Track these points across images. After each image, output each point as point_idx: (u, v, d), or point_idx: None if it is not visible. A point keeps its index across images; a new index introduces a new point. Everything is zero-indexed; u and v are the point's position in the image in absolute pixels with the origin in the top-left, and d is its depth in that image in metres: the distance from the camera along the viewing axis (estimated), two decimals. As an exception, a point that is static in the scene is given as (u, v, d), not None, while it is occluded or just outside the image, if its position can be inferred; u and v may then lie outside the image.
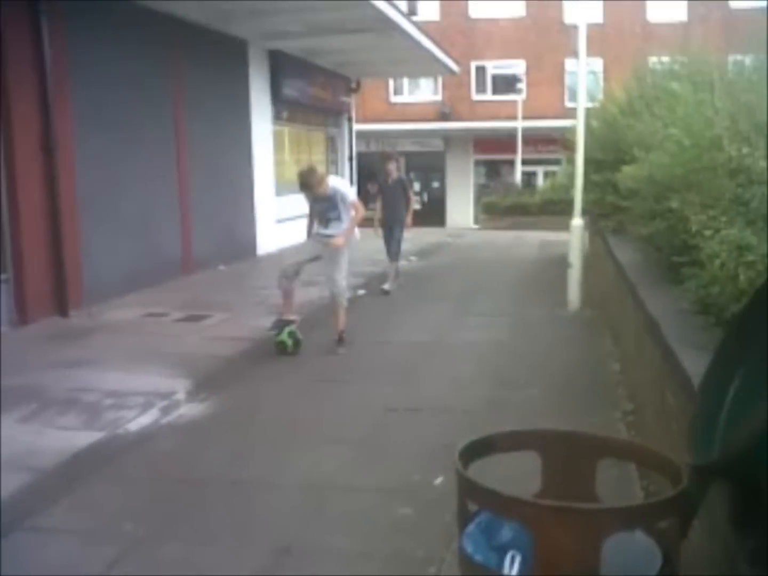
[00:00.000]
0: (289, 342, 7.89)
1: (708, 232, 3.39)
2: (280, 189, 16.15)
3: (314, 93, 17.87)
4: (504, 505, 2.24)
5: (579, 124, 9.92)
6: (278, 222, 15.86)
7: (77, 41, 9.49)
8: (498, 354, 7.82)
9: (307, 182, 7.81)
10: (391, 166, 11.72)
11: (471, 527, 2.45)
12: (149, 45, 11.10)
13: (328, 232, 8.05)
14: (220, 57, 13.48)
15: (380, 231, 11.77)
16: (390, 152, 13.66)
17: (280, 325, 7.99)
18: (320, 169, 8.64)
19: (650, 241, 5.90)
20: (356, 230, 8.22)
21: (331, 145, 20.34)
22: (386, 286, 11.74)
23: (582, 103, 10.10)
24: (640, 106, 8.21)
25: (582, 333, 8.75)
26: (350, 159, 21.01)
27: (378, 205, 11.73)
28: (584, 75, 10.45)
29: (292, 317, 8.10)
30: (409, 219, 11.77)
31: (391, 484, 4.54)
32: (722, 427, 2.30)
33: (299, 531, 4.06)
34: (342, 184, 8.39)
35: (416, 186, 31.96)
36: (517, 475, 2.80)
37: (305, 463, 4.99)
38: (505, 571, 2.31)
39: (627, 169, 6.96)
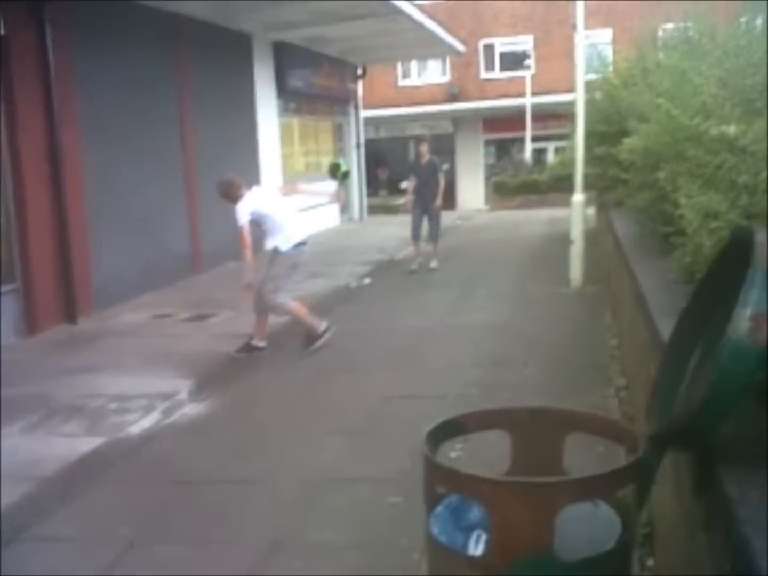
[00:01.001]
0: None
1: (683, 201, 3.34)
2: (289, 181, 16.13)
3: (320, 82, 17.80)
4: (463, 485, 2.24)
5: (578, 98, 9.81)
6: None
7: (81, 47, 9.50)
8: (497, 336, 7.79)
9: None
10: (423, 148, 11.89)
11: (440, 509, 2.45)
12: (152, 45, 11.11)
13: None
14: (224, 53, 13.43)
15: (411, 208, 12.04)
16: (423, 135, 14.19)
17: (248, 350, 7.60)
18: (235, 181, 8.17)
19: (645, 213, 5.85)
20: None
21: (339, 133, 20.30)
22: (432, 264, 12.02)
23: (580, 77, 10.00)
24: (637, 77, 8.13)
25: (583, 310, 8.70)
26: (358, 146, 20.95)
27: (410, 186, 11.95)
28: (582, 48, 10.33)
29: (261, 344, 7.70)
30: (439, 200, 11.97)
31: (383, 473, 4.55)
32: (682, 395, 2.26)
33: (291, 526, 4.07)
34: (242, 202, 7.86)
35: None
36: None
37: (301, 458, 5.00)
38: (470, 550, 2.31)
39: (627, 141, 6.91)
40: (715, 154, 3.12)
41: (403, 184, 13.25)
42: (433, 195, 11.85)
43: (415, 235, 12.14)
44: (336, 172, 8.42)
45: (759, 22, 5.69)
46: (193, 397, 6.41)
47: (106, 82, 9.99)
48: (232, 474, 4.83)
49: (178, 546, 3.97)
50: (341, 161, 8.90)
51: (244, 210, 7.73)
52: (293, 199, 8.05)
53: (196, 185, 12.36)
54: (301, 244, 7.94)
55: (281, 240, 7.83)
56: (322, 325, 7.76)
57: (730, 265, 2.14)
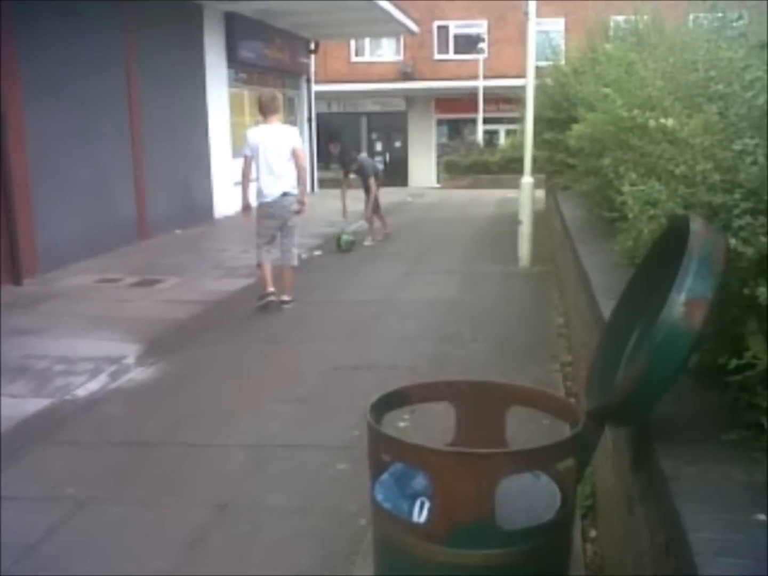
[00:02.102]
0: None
1: (626, 188, 3.48)
2: (238, 151, 16.06)
3: (271, 54, 17.78)
4: (408, 454, 2.33)
5: (528, 84, 9.99)
6: (236, 184, 15.77)
7: (25, 9, 9.30)
8: (446, 311, 7.92)
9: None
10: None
11: (385, 476, 2.54)
12: (101, 11, 10.91)
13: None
14: (174, 21, 13.32)
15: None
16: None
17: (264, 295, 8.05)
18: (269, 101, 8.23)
19: (590, 198, 6.02)
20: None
21: (290, 106, 20.22)
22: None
23: (531, 63, 10.16)
24: (586, 67, 8.30)
25: (530, 288, 8.89)
26: (309, 120, 20.96)
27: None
28: (533, 35, 10.44)
29: (270, 289, 8.03)
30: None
31: (332, 440, 4.64)
32: (619, 374, 2.39)
33: (239, 489, 4.15)
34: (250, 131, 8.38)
35: (378, 146, 31.86)
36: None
37: (250, 423, 5.07)
38: (414, 517, 2.42)
39: (575, 128, 7.07)
40: (656, 144, 3.26)
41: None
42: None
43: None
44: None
45: (704, 21, 5.88)
46: (141, 361, 6.42)
47: (51, 44, 9.83)
48: (181, 438, 4.88)
49: (126, 507, 4.01)
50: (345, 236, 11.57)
51: (248, 139, 8.04)
52: (287, 163, 7.94)
53: (143, 151, 12.29)
54: (279, 197, 7.94)
55: (259, 188, 7.99)
56: (268, 290, 8.02)
57: (666, 251, 2.26)
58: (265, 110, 8.03)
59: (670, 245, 2.22)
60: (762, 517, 1.66)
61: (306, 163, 8.37)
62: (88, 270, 9.87)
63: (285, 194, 7.95)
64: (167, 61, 13.09)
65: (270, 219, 8.03)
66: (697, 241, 2.01)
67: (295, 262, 8.32)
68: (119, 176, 11.82)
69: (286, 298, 8.08)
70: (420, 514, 2.40)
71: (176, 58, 13.56)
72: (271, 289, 8.00)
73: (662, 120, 3.07)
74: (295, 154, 7.91)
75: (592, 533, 3.54)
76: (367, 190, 12.36)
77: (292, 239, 8.18)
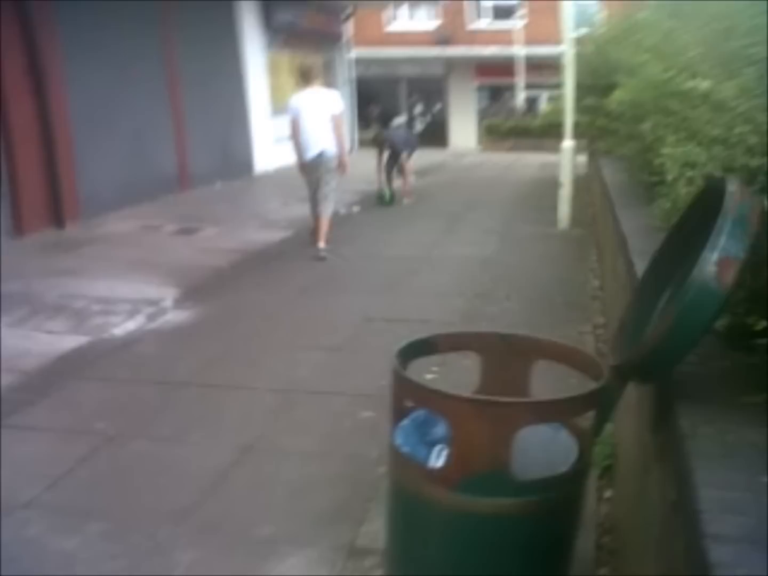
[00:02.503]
0: None
1: (666, 151, 3.44)
2: (279, 111, 16.15)
3: (308, 19, 17.95)
4: (428, 399, 2.36)
5: (568, 51, 9.85)
6: (276, 141, 15.88)
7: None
8: (483, 269, 7.90)
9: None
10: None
11: (406, 422, 2.58)
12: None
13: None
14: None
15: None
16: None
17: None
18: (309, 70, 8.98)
19: (632, 162, 5.95)
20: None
21: (329, 69, 20.32)
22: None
23: (569, 30, 10.03)
24: (625, 33, 8.17)
25: (568, 250, 8.81)
26: (348, 83, 21.08)
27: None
28: (570, 3, 10.29)
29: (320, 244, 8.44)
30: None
31: (359, 389, 4.67)
32: (647, 331, 2.38)
33: (264, 431, 4.22)
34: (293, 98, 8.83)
35: (418, 109, 31.53)
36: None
37: (279, 368, 5.14)
38: (431, 462, 2.45)
39: (616, 93, 7.00)
40: (695, 108, 3.21)
41: (395, 120, 13.55)
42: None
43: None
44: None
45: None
46: (179, 305, 6.53)
47: (92, 5, 9.88)
48: (211, 379, 4.96)
49: (153, 443, 4.11)
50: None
51: (290, 104, 8.61)
52: (326, 124, 8.37)
53: (183, 107, 12.48)
54: (316, 156, 8.39)
55: (301, 146, 8.48)
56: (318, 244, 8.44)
57: (702, 213, 2.23)
58: (305, 78, 8.71)
59: (706, 206, 2.19)
60: (773, 478, 1.66)
61: (344, 128, 8.85)
62: (129, 217, 10.00)
63: (321, 153, 8.36)
64: (203, 23, 13.24)
65: (310, 174, 8.54)
66: (733, 201, 1.99)
67: (329, 213, 8.61)
68: (160, 129, 12.00)
69: (321, 245, 8.41)
70: (437, 461, 2.43)
71: (212, 20, 13.72)
72: (321, 244, 8.42)
73: (697, 81, 3.02)
74: (334, 119, 8.34)
75: (608, 493, 3.55)
76: (399, 163, 12.25)
77: (327, 193, 8.50)
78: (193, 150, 12.70)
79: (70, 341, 5.53)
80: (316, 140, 8.33)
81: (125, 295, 6.53)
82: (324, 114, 8.33)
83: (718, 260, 1.90)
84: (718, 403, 2.04)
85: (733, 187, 2.05)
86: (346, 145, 9.15)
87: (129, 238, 8.87)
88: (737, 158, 2.41)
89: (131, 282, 6.93)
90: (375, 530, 3.10)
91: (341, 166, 8.51)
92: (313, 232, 8.57)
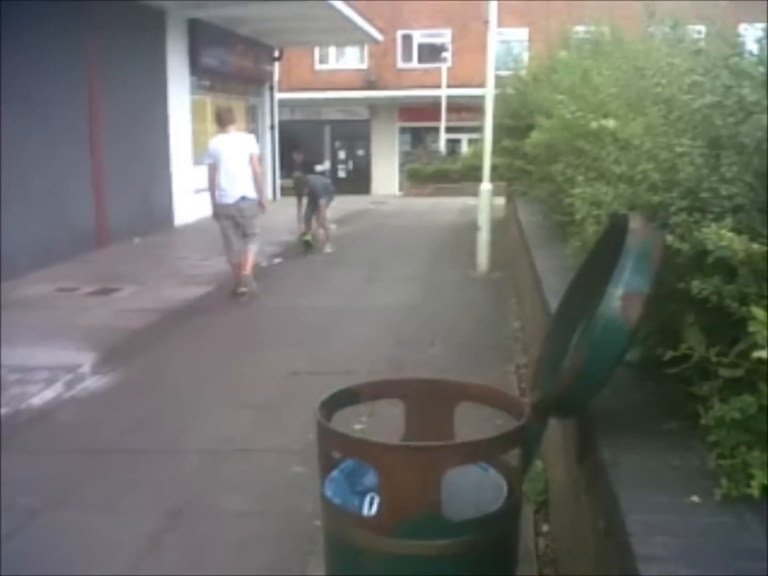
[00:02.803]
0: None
1: (575, 191, 3.56)
2: (200, 158, 16.00)
3: (235, 62, 17.73)
4: (355, 449, 2.37)
5: (488, 92, 10.11)
6: (197, 192, 15.74)
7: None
8: (405, 316, 7.97)
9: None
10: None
11: (335, 473, 2.58)
12: (62, 16, 10.76)
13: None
14: (136, 27, 13.21)
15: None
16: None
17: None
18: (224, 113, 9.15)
19: (545, 203, 6.12)
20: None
21: (253, 113, 20.22)
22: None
23: (490, 72, 10.31)
24: (544, 75, 8.44)
25: (488, 294, 8.98)
26: (272, 128, 20.95)
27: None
28: (493, 44, 10.59)
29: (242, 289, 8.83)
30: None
31: (288, 444, 4.65)
32: (563, 368, 2.45)
33: (194, 494, 4.15)
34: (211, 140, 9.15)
35: (341, 154, 31.92)
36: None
37: (205, 429, 5.06)
38: (365, 511, 2.45)
39: (533, 135, 7.19)
40: (603, 148, 3.34)
41: (319, 167, 13.79)
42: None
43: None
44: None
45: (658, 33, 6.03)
46: (97, 370, 6.37)
47: (9, 48, 9.65)
48: (136, 444, 4.86)
49: (81, 513, 3.99)
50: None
51: (209, 148, 8.84)
52: (245, 168, 8.66)
53: (103, 157, 12.18)
54: (237, 201, 8.61)
55: (219, 192, 8.67)
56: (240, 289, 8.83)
57: (608, 249, 2.33)
58: (222, 121, 8.84)
59: (612, 243, 2.28)
60: (695, 498, 1.73)
61: (259, 167, 8.92)
62: (45, 279, 9.75)
63: (243, 198, 8.61)
64: (129, 67, 12.99)
65: (228, 219, 8.71)
66: (635, 238, 2.08)
67: (255, 249, 8.94)
68: (78, 185, 11.68)
69: (243, 289, 8.79)
70: (370, 509, 2.44)
71: (138, 66, 13.46)
72: (242, 288, 8.79)
73: (603, 121, 3.15)
74: (251, 158, 8.64)
75: (545, 527, 3.60)
76: (317, 209, 12.40)
77: (252, 234, 8.82)
78: (112, 205, 12.38)
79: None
80: (235, 185, 8.51)
81: (42, 363, 6.35)
82: (242, 158, 8.53)
83: (622, 295, 1.98)
84: (637, 431, 2.12)
85: (635, 224, 2.14)
86: (265, 187, 9.64)
87: (44, 302, 8.64)
88: (641, 195, 2.51)
89: (47, 348, 6.74)
90: (316, 583, 3.06)
91: (260, 205, 8.82)
92: (236, 278, 8.83)
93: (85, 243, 11.59)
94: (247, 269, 8.71)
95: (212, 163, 8.57)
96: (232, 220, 8.63)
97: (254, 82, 19.72)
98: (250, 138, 9.14)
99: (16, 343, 6.87)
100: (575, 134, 4.66)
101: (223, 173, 8.49)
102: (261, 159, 9.30)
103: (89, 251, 11.56)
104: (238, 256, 8.76)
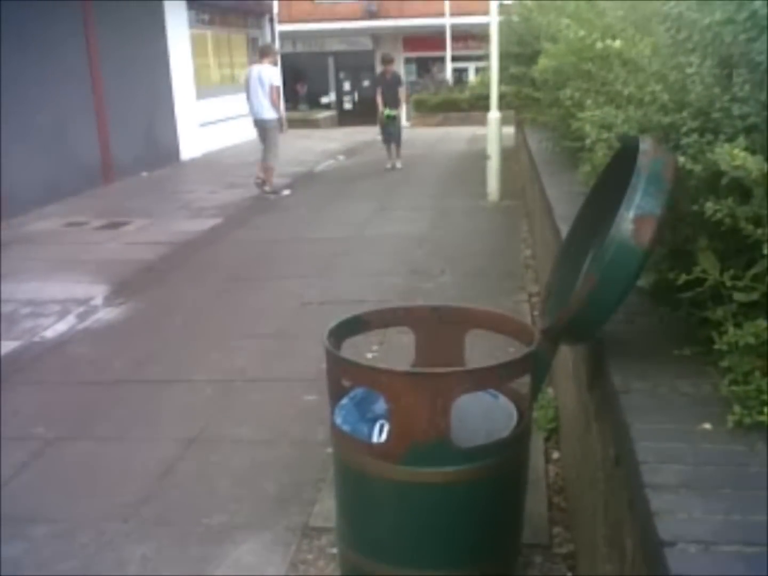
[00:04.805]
0: None
1: (583, 115, 3.48)
2: (203, 93, 15.82)
3: (233, -6, 17.43)
4: (364, 376, 2.36)
5: (492, 19, 9.86)
6: (202, 126, 15.60)
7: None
8: (415, 245, 7.92)
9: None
10: (389, 66, 13.54)
11: (345, 401, 2.58)
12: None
13: None
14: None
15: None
16: (388, 54, 15.10)
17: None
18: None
19: (555, 129, 6.00)
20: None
21: (254, 47, 19.89)
22: (398, 165, 13.47)
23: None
24: (548, 1, 8.23)
25: (499, 222, 8.90)
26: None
27: (378, 97, 13.34)
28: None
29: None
30: (402, 108, 13.93)
31: (299, 373, 4.66)
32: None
33: (206, 423, 4.18)
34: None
35: (346, 86, 31.45)
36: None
37: (217, 359, 5.08)
38: (374, 438, 2.46)
39: (540, 60, 7.03)
40: (611, 70, 3.26)
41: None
42: (398, 104, 13.32)
43: (385, 139, 13.58)
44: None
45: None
46: (109, 302, 6.40)
47: None
48: (148, 375, 4.90)
49: (94, 443, 4.04)
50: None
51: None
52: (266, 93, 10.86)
53: (104, 93, 12.09)
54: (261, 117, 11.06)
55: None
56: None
57: (619, 172, 2.27)
58: (259, 53, 11.59)
59: (623, 166, 2.23)
60: (707, 426, 1.71)
61: (275, 94, 10.93)
62: (53, 214, 9.76)
63: (258, 116, 10.96)
64: (125, 5, 12.78)
65: (257, 129, 11.26)
66: (646, 159, 2.02)
67: (271, 162, 11.14)
68: (82, 119, 11.64)
69: (267, 188, 11.00)
70: (379, 437, 2.45)
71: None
72: (266, 188, 11.00)
73: (609, 41, 3.06)
74: (270, 89, 10.76)
75: (555, 455, 3.62)
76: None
77: (269, 147, 11.13)
78: (117, 139, 12.37)
79: (2, 347, 5.38)
80: (253, 105, 10.99)
81: (54, 296, 6.39)
82: (265, 85, 10.80)
83: (634, 218, 1.93)
84: (649, 357, 2.09)
85: (646, 145, 2.08)
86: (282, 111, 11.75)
87: (54, 237, 8.66)
88: (651, 117, 2.44)
89: (59, 282, 6.78)
90: (328, 509, 3.10)
91: (279, 123, 11.30)
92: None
93: (91, 178, 11.58)
94: (262, 175, 11.01)
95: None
96: (258, 130, 11.18)
97: (254, 15, 19.43)
98: (273, 70, 11.09)
99: (28, 278, 6.91)
100: (582, 58, 4.56)
101: (246, 95, 10.94)
102: (277, 88, 11.07)
103: (96, 186, 11.56)
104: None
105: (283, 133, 11.35)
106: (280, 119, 11.07)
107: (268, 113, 10.84)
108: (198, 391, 4.59)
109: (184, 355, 5.23)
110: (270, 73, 10.88)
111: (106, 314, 6.17)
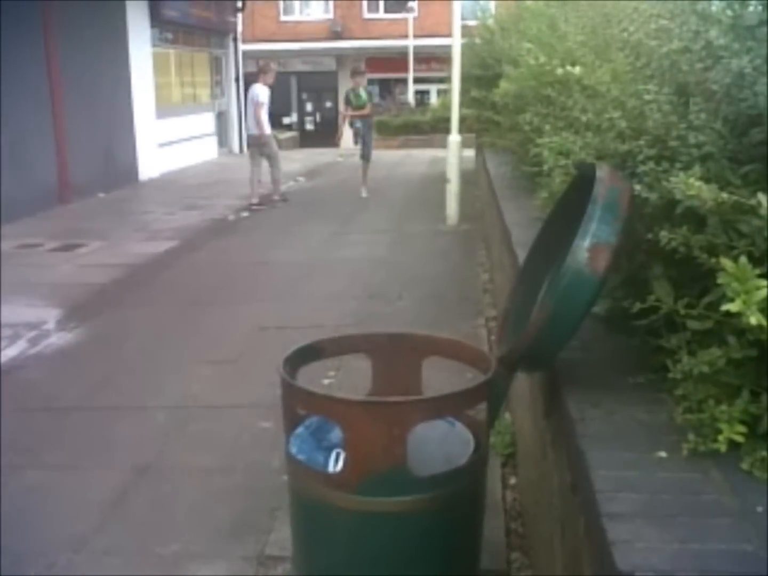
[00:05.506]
0: None
1: (541, 140, 3.50)
2: (163, 112, 15.71)
3: (197, 13, 17.51)
4: (319, 405, 2.33)
5: (455, 42, 9.96)
6: (161, 146, 15.47)
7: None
8: (374, 269, 7.90)
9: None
10: (360, 78, 13.65)
11: (300, 429, 2.54)
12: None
13: None
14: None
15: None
16: (359, 65, 15.87)
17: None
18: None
19: (514, 154, 6.06)
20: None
21: (217, 65, 19.89)
22: (363, 194, 13.06)
23: (457, 21, 10.17)
24: (510, 24, 8.33)
25: (457, 246, 8.94)
26: (237, 80, 20.66)
27: (345, 111, 13.62)
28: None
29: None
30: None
31: (255, 400, 4.59)
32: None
33: (160, 451, 4.11)
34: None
35: (308, 107, 31.52)
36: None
37: (172, 385, 5.01)
38: (330, 468, 2.42)
39: (501, 84, 7.10)
40: (571, 96, 3.28)
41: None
42: (368, 121, 13.62)
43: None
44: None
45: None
46: (61, 326, 6.28)
47: None
48: (101, 401, 4.80)
49: (45, 472, 3.94)
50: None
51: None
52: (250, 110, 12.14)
53: (64, 113, 11.94)
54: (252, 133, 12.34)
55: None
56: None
57: (575, 199, 2.28)
58: (258, 73, 12.41)
59: (579, 193, 2.23)
60: (662, 454, 1.71)
61: (259, 110, 11.83)
62: (6, 236, 9.55)
63: (249, 132, 12.29)
64: (87, 20, 12.70)
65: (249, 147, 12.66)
66: (602, 187, 2.03)
67: (276, 176, 12.21)
68: (40, 137, 11.49)
69: (276, 198, 12.15)
70: (335, 466, 2.41)
71: (96, 17, 13.15)
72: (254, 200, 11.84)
73: (569, 68, 3.08)
74: (255, 105, 11.80)
75: (512, 480, 3.61)
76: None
77: (273, 163, 12.12)
78: (75, 159, 12.19)
79: (-51, 372, 5.25)
80: (247, 122, 12.51)
81: (5, 320, 6.23)
82: (251, 103, 12.01)
83: (590, 246, 1.93)
84: (604, 385, 2.09)
85: (602, 173, 2.09)
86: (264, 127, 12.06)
87: (6, 259, 8.46)
88: (608, 144, 2.46)
89: (10, 305, 6.61)
90: (284, 538, 3.04)
91: (260, 137, 12.08)
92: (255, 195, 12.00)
93: (47, 199, 11.40)
94: (255, 201, 11.80)
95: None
96: (250, 147, 12.41)
97: (217, 34, 19.42)
98: (261, 89, 11.93)
99: (-22, 301, 6.75)
100: (542, 83, 4.60)
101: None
102: (261, 105, 11.84)
103: (52, 207, 11.38)
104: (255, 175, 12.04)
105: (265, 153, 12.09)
106: (262, 135, 11.83)
107: (253, 129, 11.95)
108: (152, 418, 4.51)
109: (137, 381, 5.14)
110: (258, 91, 11.83)
111: (59, 339, 6.05)
